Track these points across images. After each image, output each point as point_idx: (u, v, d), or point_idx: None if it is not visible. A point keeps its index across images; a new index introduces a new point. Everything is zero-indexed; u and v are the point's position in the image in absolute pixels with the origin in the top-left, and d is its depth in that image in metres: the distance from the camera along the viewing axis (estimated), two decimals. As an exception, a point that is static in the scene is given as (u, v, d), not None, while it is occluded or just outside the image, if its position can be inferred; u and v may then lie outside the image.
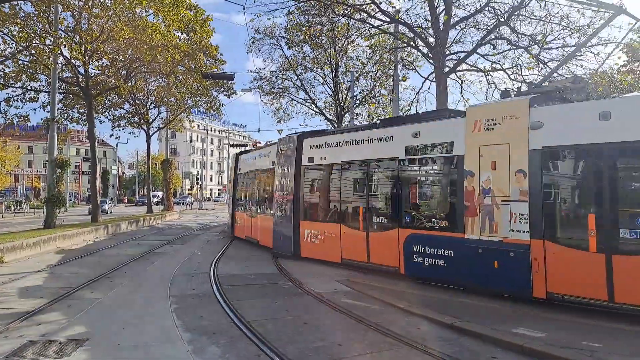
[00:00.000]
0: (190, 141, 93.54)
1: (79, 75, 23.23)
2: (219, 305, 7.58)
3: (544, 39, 14.06)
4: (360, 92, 29.97)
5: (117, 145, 60.71)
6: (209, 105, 32.85)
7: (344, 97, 30.53)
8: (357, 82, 28.29)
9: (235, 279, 9.99)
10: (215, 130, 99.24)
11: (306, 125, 73.27)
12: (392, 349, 5.49)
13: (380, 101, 30.08)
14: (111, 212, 36.04)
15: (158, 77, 31.37)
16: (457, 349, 5.42)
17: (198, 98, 32.87)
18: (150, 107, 35.05)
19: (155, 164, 59.18)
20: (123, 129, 34.65)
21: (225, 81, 28.72)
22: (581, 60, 14.23)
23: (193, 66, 27.66)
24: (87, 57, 21.74)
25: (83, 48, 21.05)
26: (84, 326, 6.41)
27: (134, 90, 31.92)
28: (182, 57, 25.05)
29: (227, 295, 8.13)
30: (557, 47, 14.36)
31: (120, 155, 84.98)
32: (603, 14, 13.39)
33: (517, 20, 14.79)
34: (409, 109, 20.35)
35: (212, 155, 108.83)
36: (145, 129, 34.83)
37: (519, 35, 14.81)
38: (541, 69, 14.77)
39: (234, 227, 18.43)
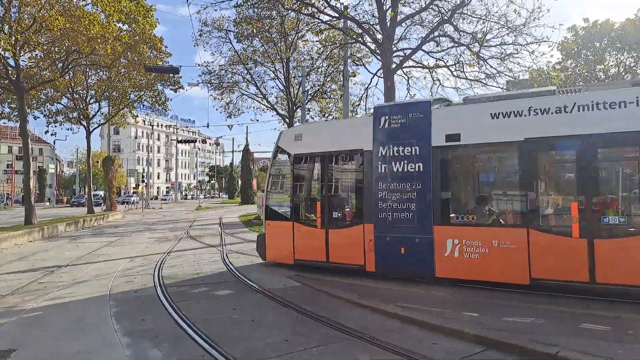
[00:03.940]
0: (135, 137, 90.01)
1: (9, 68, 21.58)
2: (162, 307, 7.29)
3: (484, 37, 14.64)
4: (311, 88, 29.98)
5: (54, 143, 57.29)
6: (154, 99, 31.62)
7: (296, 92, 30.43)
8: (308, 78, 28.25)
9: (181, 279, 9.65)
10: (162, 125, 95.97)
11: (257, 120, 72.25)
12: (340, 342, 5.51)
13: (331, 96, 30.26)
14: None
15: (98, 70, 29.82)
16: (402, 338, 5.51)
17: (142, 92, 31.58)
18: (91, 101, 33.23)
19: (97, 162, 56.36)
20: (61, 125, 32.76)
21: (171, 75, 27.77)
22: (518, 57, 14.95)
23: (136, 59, 26.52)
24: (17, 48, 20.21)
25: (13, 39, 19.59)
26: (13, 336, 5.95)
27: (72, 84, 30.20)
28: (123, 49, 23.99)
29: (172, 297, 7.84)
30: (496, 45, 15.01)
31: (59, 153, 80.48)
32: (537, 14, 14.19)
33: (459, 18, 15.32)
34: (359, 104, 20.58)
35: (159, 151, 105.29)
36: (85, 125, 33.02)
37: (461, 33, 15.35)
38: (481, 66, 15.39)
39: (295, 247, 10.01)
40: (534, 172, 7.36)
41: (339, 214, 9.59)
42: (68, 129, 43.74)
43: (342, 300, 7.40)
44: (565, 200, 7.35)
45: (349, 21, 16.45)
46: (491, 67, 15.27)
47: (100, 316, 6.83)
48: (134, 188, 70.64)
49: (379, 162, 8.61)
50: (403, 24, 16.76)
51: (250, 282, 8.96)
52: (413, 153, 8.20)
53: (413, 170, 8.20)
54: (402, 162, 8.32)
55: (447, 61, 16.50)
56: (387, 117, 8.60)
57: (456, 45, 15.70)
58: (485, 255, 7.40)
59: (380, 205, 8.50)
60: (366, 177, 8.86)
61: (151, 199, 61.38)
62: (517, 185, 7.59)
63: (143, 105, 36.25)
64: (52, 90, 28.68)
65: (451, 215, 8.04)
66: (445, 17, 14.92)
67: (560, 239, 6.91)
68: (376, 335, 5.56)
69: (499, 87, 15.80)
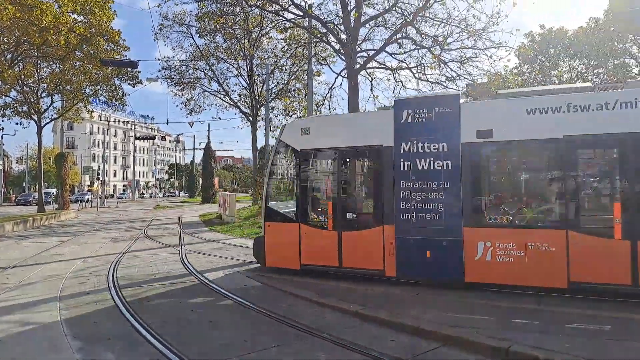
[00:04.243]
0: (91, 133, 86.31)
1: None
2: (115, 308, 7.02)
3: (445, 40, 14.99)
4: (275, 86, 29.76)
5: (2, 138, 54.11)
6: (110, 94, 30.43)
7: (260, 90, 30.13)
8: (272, 76, 28.02)
9: (137, 280, 9.32)
10: (119, 121, 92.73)
11: (219, 118, 70.91)
12: (299, 341, 5.47)
13: (296, 95, 30.17)
14: None
15: (51, 63, 28.43)
16: (360, 335, 5.55)
17: (98, 86, 30.32)
18: (42, 95, 31.56)
19: (50, 158, 53.74)
20: (9, 120, 31.02)
21: (129, 69, 26.83)
22: (477, 61, 15.40)
23: (92, 52, 25.46)
24: (-39, 37, 19.01)
25: (-44, 26, 18.42)
26: (-51, 342, 5.55)
27: (22, 76, 28.62)
28: (78, 41, 23.00)
29: (126, 298, 7.56)
30: (456, 49, 15.40)
31: (7, 148, 75.83)
32: (496, 19, 14.66)
33: (421, 21, 15.61)
34: (323, 104, 20.61)
35: (115, 148, 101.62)
36: (36, 119, 31.33)
37: (423, 36, 15.63)
38: (442, 69, 15.74)
39: (302, 250, 9.00)
40: (573, 171, 7.08)
41: (354, 215, 8.74)
42: (17, 124, 41.59)
43: (301, 299, 7.37)
44: (607, 200, 7.12)
45: (313, 20, 16.44)
46: (451, 70, 15.64)
47: (49, 319, 6.49)
48: (88, 186, 67.91)
49: (401, 159, 7.93)
50: (367, 25, 16.92)
51: (209, 283, 8.77)
52: (440, 150, 7.66)
53: (440, 168, 7.65)
54: (428, 160, 7.74)
55: (410, 63, 16.80)
56: (409, 111, 7.94)
57: (418, 47, 15.98)
58: (520, 259, 7.04)
59: (403, 206, 7.86)
60: (386, 175, 8.17)
61: (107, 198, 59.17)
62: (554, 184, 7.29)
63: (99, 100, 34.88)
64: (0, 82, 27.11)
65: (483, 216, 7.62)
66: (408, 20, 15.16)
67: (601, 241, 6.70)
68: (335, 333, 5.57)
69: (459, 90, 16.22)
